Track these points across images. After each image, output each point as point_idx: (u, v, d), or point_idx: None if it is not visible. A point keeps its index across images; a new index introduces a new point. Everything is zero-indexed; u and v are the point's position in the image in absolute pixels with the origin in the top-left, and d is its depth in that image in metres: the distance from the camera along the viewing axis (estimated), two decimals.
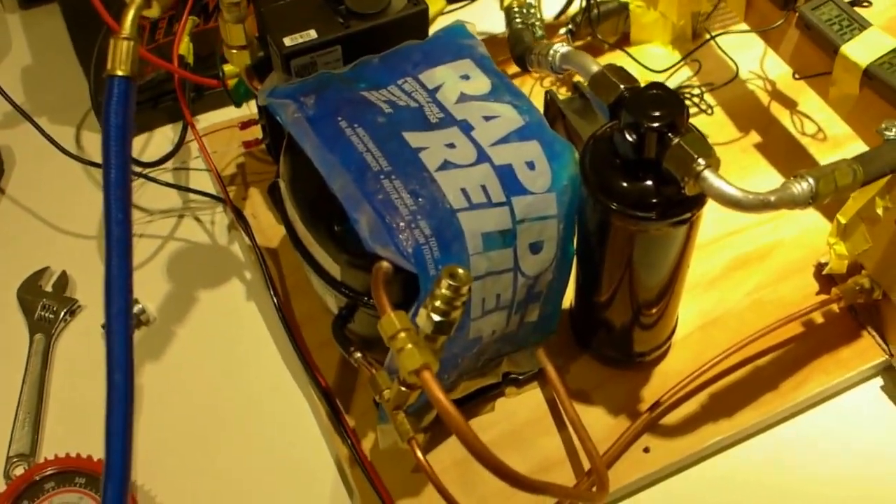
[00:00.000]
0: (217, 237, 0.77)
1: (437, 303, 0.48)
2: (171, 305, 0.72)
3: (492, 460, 0.45)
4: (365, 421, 0.65)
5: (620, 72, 0.54)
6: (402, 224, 0.52)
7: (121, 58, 0.45)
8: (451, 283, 0.48)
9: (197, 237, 0.77)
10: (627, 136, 0.52)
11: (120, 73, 0.45)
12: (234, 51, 0.59)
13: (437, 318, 0.48)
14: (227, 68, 0.67)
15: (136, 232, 0.77)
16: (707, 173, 0.49)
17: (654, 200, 0.53)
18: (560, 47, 0.63)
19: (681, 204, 0.53)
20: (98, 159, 0.74)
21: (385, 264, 0.52)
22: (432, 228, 0.53)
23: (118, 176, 0.46)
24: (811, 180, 0.50)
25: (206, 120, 0.84)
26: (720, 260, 0.74)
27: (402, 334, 0.47)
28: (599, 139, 0.56)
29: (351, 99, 0.58)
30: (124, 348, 0.46)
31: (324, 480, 0.65)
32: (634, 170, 0.53)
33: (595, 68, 0.56)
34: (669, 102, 0.51)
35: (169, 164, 0.79)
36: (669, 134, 0.50)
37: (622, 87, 0.53)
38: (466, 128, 0.57)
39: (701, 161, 0.49)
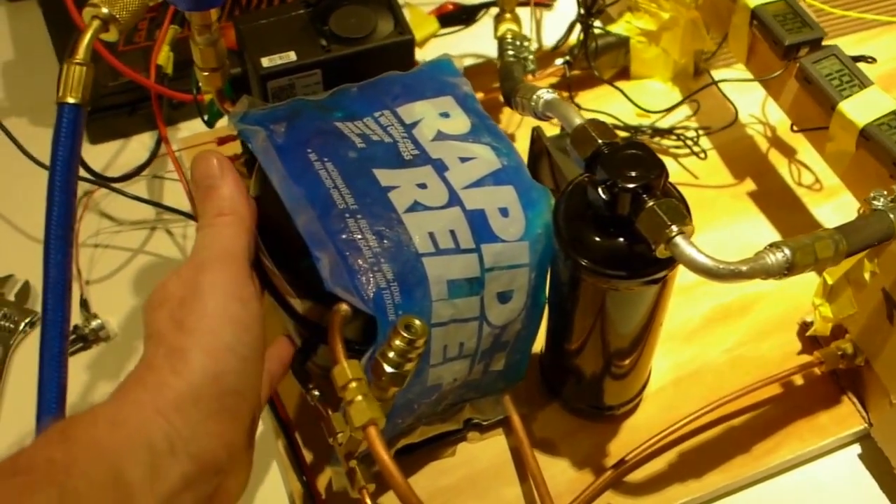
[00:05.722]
0: (188, 252, 0.75)
1: (391, 354, 0.47)
2: (134, 321, 0.70)
3: None
4: (324, 457, 0.63)
5: (601, 126, 0.52)
6: (364, 266, 0.50)
7: (72, 84, 0.43)
8: (405, 334, 0.46)
9: (167, 251, 0.75)
10: (601, 193, 0.50)
11: (71, 100, 0.43)
12: (206, 73, 0.57)
13: (389, 369, 0.47)
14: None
15: (102, 243, 0.75)
16: (679, 240, 0.47)
17: (626, 258, 0.51)
18: (544, 93, 0.60)
19: (654, 263, 0.51)
20: None
21: (344, 307, 0.50)
22: (395, 273, 0.51)
23: (60, 214, 0.44)
24: (787, 251, 0.48)
25: (188, 128, 0.82)
26: (700, 309, 0.72)
27: (353, 385, 0.47)
28: (575, 190, 0.54)
29: (323, 130, 0.55)
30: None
31: None
32: (607, 225, 0.51)
33: (578, 121, 0.53)
34: (647, 163, 0.49)
35: (146, 173, 0.77)
36: (644, 195, 0.48)
37: (600, 141, 0.51)
38: (441, 168, 0.55)
39: (674, 227, 0.47)
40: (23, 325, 0.69)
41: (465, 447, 0.64)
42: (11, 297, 0.71)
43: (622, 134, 0.80)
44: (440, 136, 0.57)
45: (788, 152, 0.82)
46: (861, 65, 0.67)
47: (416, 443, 0.61)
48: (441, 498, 0.62)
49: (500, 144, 0.57)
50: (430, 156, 0.56)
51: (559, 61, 0.82)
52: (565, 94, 0.83)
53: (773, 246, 0.49)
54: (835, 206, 0.78)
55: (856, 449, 0.67)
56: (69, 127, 0.43)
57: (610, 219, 0.51)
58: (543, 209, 0.55)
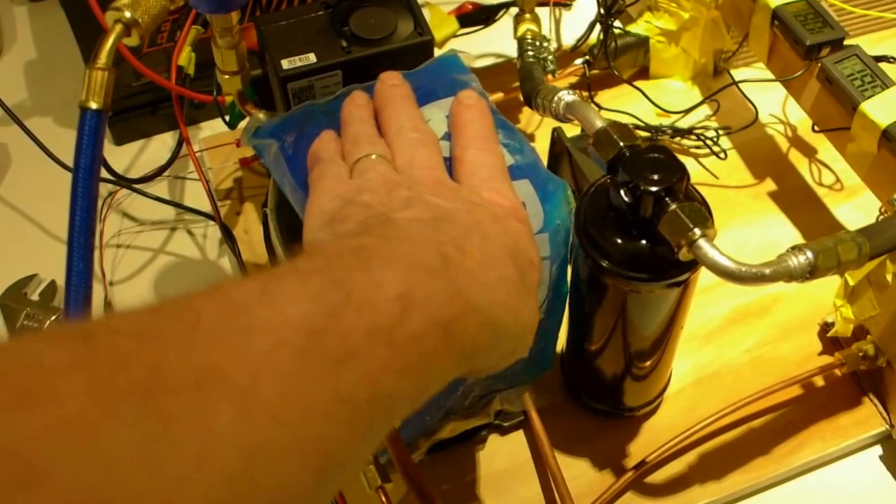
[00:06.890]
0: (208, 252, 0.75)
1: None
2: None
3: None
4: None
5: (623, 129, 0.52)
6: None
7: (95, 89, 0.43)
8: None
9: (188, 251, 0.75)
10: (623, 196, 0.50)
11: (93, 105, 0.43)
12: (227, 76, 0.57)
13: None
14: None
15: (124, 243, 0.76)
16: (702, 242, 0.47)
17: (648, 261, 0.51)
18: (565, 95, 0.60)
19: (676, 265, 0.51)
20: None
21: None
22: None
23: (83, 219, 0.44)
24: (810, 254, 0.48)
25: (210, 128, 0.82)
26: (720, 310, 0.71)
27: None
28: (597, 191, 0.54)
29: None
30: None
31: None
32: (629, 227, 0.51)
33: (599, 124, 0.53)
34: (669, 166, 0.49)
35: (168, 174, 0.77)
36: (667, 198, 0.48)
37: (621, 144, 0.51)
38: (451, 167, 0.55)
39: (696, 230, 0.47)
40: (48, 323, 0.70)
41: (484, 446, 0.64)
42: (35, 297, 0.71)
43: (643, 134, 0.80)
44: (449, 136, 0.56)
45: (809, 152, 0.81)
46: (883, 65, 0.67)
47: (448, 439, 0.61)
48: (460, 496, 0.62)
49: (512, 140, 0.56)
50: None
51: (579, 61, 0.82)
52: (585, 93, 0.83)
53: (796, 249, 0.48)
54: (855, 206, 0.77)
55: (877, 450, 0.67)
56: (91, 133, 0.44)
57: (632, 221, 0.51)
58: (561, 200, 0.54)
